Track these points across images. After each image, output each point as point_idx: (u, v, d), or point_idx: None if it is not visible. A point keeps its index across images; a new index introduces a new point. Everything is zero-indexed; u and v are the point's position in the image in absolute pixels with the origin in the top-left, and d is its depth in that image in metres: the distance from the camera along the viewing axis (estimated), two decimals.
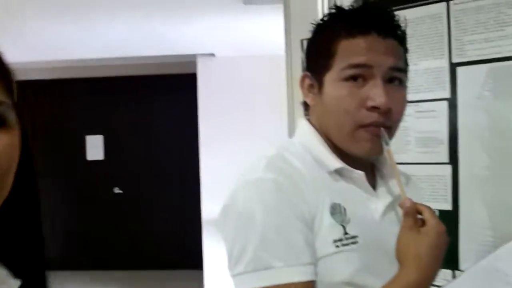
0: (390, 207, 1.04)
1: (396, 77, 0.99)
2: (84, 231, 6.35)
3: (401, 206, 0.94)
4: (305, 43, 2.03)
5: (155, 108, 6.32)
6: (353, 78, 0.97)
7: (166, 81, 6.25)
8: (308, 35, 1.09)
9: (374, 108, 0.96)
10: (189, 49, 4.92)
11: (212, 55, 5.16)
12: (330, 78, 0.99)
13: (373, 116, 0.96)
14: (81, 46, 4.57)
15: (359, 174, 1.01)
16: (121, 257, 6.29)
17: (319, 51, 1.04)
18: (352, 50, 0.97)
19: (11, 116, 0.60)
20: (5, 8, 3.35)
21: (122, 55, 5.11)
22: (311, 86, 1.04)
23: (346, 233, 0.95)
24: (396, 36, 1.00)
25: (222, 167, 5.07)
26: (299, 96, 1.10)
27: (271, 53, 4.77)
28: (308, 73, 1.06)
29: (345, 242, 0.95)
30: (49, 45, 4.48)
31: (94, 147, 6.32)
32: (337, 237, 0.94)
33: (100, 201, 6.33)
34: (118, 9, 3.51)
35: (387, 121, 0.97)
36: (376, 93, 0.95)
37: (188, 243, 6.10)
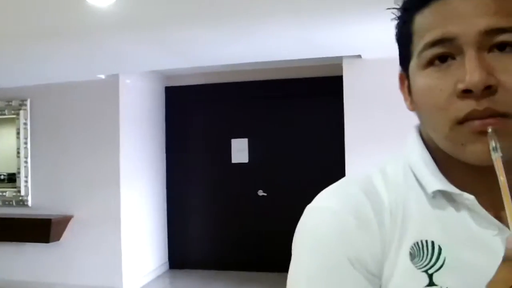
0: None
1: (503, 41, 0.64)
2: (228, 232, 6.52)
3: (508, 244, 0.57)
4: None
5: (300, 111, 6.31)
6: (439, 59, 0.67)
7: (311, 84, 6.22)
8: None
9: (466, 93, 0.63)
10: (336, 51, 4.83)
11: (359, 56, 5.01)
12: (413, 69, 0.72)
13: (469, 105, 0.63)
14: (229, 52, 4.68)
15: (469, 198, 0.69)
16: (265, 259, 6.35)
17: (399, 39, 0.77)
18: (426, 24, 0.68)
19: None
20: (164, 20, 3.52)
21: (268, 59, 5.16)
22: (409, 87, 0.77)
23: (431, 284, 0.67)
24: None
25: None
26: None
27: None
28: (403, 72, 0.77)
29: None
30: (200, 52, 4.66)
31: (239, 150, 6.48)
32: None
33: (245, 203, 6.47)
34: (268, 16, 3.53)
35: (497, 106, 0.62)
36: (465, 70, 0.63)
37: None
